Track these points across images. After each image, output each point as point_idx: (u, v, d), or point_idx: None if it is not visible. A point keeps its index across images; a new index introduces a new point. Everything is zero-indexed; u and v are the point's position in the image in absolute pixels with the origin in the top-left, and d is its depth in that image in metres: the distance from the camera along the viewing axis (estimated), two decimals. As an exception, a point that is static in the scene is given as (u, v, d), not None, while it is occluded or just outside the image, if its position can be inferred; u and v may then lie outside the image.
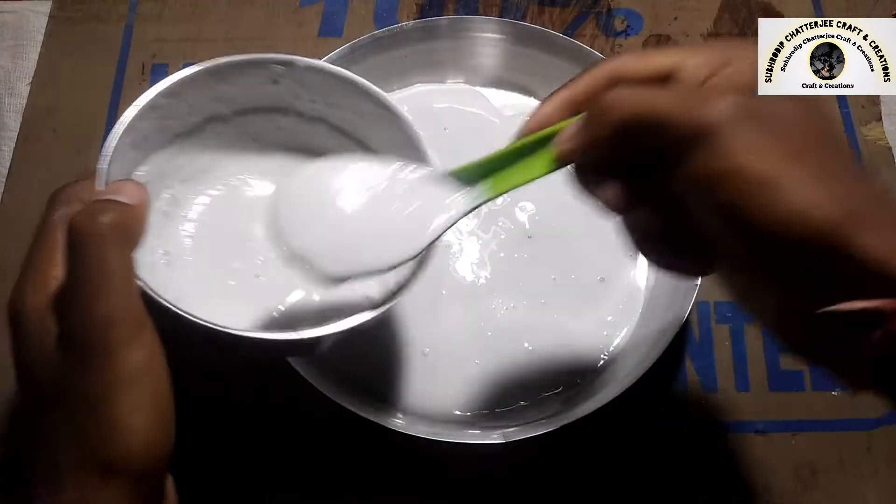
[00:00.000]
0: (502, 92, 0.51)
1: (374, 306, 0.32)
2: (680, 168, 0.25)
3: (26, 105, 0.51)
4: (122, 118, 0.30)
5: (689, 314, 0.40)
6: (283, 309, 0.37)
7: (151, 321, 0.26)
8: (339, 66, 0.46)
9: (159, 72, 0.52)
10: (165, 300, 0.27)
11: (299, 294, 0.37)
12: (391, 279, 0.34)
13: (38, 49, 0.53)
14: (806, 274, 0.24)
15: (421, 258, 0.33)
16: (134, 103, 0.30)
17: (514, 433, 0.38)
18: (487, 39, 0.50)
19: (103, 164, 0.29)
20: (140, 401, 0.25)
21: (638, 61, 0.29)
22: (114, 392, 0.24)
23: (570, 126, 0.28)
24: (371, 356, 0.43)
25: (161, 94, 0.31)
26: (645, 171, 0.27)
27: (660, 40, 0.54)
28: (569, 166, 0.29)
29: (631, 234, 0.29)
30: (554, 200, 0.47)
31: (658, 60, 0.28)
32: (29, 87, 0.52)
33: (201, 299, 0.35)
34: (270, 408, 0.43)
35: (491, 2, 0.55)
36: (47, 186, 0.47)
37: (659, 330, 0.41)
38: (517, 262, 0.45)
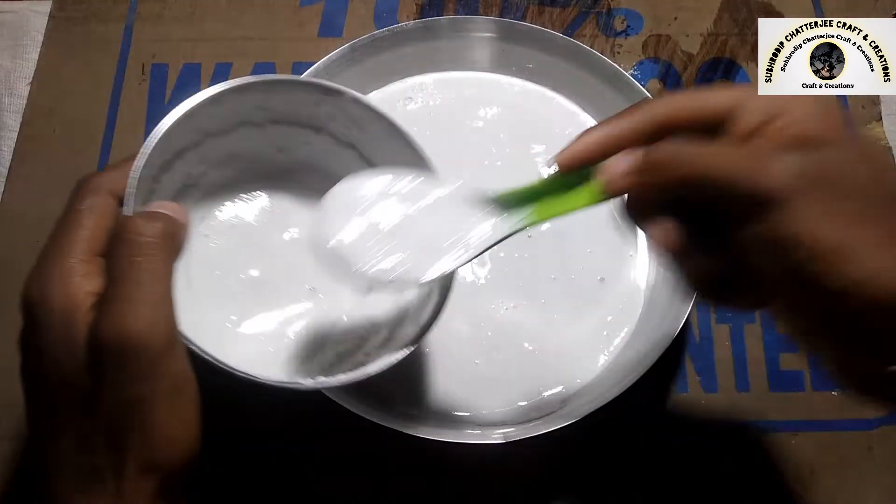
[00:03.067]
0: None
1: (401, 343, 0.33)
2: (744, 228, 0.25)
3: (26, 105, 0.51)
4: (160, 124, 0.30)
5: (689, 314, 0.40)
6: (298, 331, 0.37)
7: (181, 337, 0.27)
8: (338, 66, 0.47)
9: (159, 72, 0.52)
10: (193, 342, 0.27)
11: (316, 312, 0.38)
12: (419, 316, 0.35)
13: (38, 49, 0.53)
14: (876, 333, 0.24)
15: (444, 292, 0.33)
16: (175, 109, 0.31)
17: (514, 433, 0.38)
18: (487, 39, 0.50)
19: (140, 161, 0.29)
20: (182, 407, 0.26)
21: (692, 102, 0.28)
22: (160, 399, 0.25)
23: (622, 162, 0.28)
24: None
25: (203, 104, 0.31)
26: (703, 219, 0.27)
27: (660, 40, 0.54)
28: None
29: (683, 273, 0.28)
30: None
31: (714, 102, 0.27)
32: (29, 87, 0.52)
33: (202, 310, 0.35)
34: (269, 408, 0.43)
35: (491, 2, 0.55)
36: (47, 186, 0.47)
37: (659, 330, 0.41)
38: (517, 262, 0.45)
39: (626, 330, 0.44)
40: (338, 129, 0.37)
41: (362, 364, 0.32)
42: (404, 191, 0.31)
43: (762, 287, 0.26)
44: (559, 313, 0.44)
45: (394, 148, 0.36)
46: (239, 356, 0.30)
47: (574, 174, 0.30)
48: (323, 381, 0.31)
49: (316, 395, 0.38)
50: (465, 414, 0.42)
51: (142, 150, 0.29)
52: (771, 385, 0.44)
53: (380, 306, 0.38)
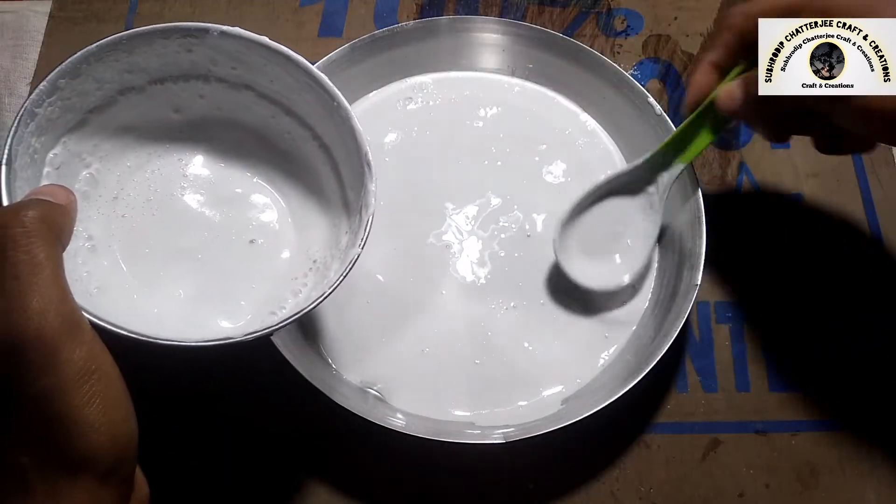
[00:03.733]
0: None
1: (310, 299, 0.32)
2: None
3: (26, 105, 0.51)
4: (20, 108, 0.29)
5: (689, 314, 0.40)
6: (226, 291, 0.36)
7: (86, 319, 0.26)
8: (338, 65, 0.47)
9: (159, 72, 0.52)
10: (81, 307, 0.26)
11: (248, 274, 0.36)
12: (336, 258, 0.34)
13: (38, 49, 0.53)
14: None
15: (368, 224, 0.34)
16: (35, 90, 0.30)
17: (514, 433, 0.38)
18: (487, 39, 0.50)
19: (2, 159, 0.28)
20: (93, 398, 0.24)
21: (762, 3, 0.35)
22: (66, 390, 0.24)
23: (728, 88, 0.36)
24: (371, 356, 0.43)
25: (62, 76, 0.30)
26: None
27: (660, 40, 0.54)
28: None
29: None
30: (554, 200, 0.47)
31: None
32: (29, 87, 0.52)
33: (132, 286, 0.34)
34: (269, 408, 0.43)
35: (491, 1, 0.55)
36: (47, 186, 0.45)
37: (659, 330, 0.41)
38: (517, 262, 0.46)
39: (626, 330, 0.44)
40: (224, 72, 0.35)
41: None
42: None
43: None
44: (559, 313, 0.44)
45: (285, 74, 0.35)
46: (199, 328, 0.29)
47: (699, 115, 0.39)
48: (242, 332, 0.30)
49: (316, 395, 0.38)
50: (465, 414, 0.42)
51: None
52: (771, 385, 0.44)
53: (314, 248, 0.37)
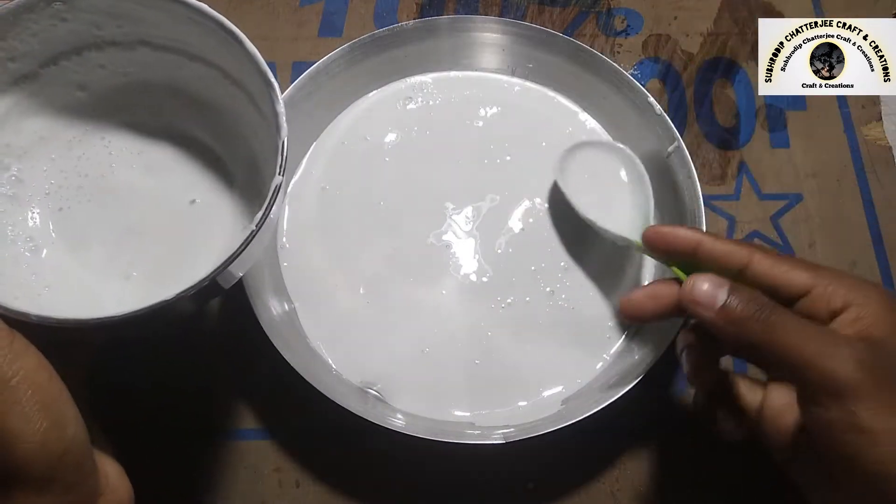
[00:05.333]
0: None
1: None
2: (803, 399, 0.29)
3: (26, 105, 0.51)
4: None
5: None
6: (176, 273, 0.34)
7: (2, 325, 0.25)
8: (338, 65, 0.47)
9: (159, 72, 0.52)
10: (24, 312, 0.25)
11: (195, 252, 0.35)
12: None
13: None
14: None
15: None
16: None
17: (514, 433, 0.38)
18: (487, 39, 0.50)
19: None
20: (17, 404, 0.23)
21: (774, 271, 0.31)
22: None
23: (713, 286, 0.31)
24: (371, 356, 0.43)
25: None
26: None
27: (660, 40, 0.54)
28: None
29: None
30: (554, 200, 0.47)
31: (798, 280, 0.31)
32: None
33: (84, 278, 0.33)
34: (269, 408, 0.43)
35: (491, 1, 0.55)
36: (47, 186, 0.45)
37: (659, 331, 0.41)
38: (517, 262, 0.45)
39: (626, 330, 0.44)
40: (112, 33, 0.33)
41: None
42: None
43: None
44: (559, 313, 0.44)
45: (166, 17, 0.32)
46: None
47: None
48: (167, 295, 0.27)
49: (316, 395, 0.38)
50: (465, 414, 0.42)
51: None
52: (771, 385, 0.44)
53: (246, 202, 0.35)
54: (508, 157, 0.48)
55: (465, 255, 0.46)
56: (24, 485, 0.23)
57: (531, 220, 0.47)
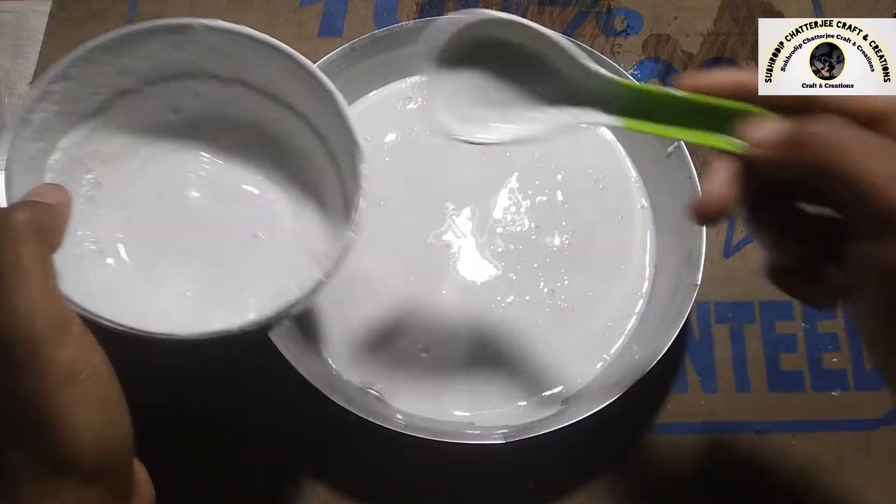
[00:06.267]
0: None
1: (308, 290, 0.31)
2: (857, 239, 0.25)
3: (26, 105, 0.51)
4: (15, 113, 0.29)
5: (689, 314, 0.40)
6: (234, 290, 0.35)
7: (79, 319, 0.26)
8: (338, 65, 0.47)
9: (159, 72, 0.52)
10: (72, 299, 0.26)
11: (255, 272, 0.36)
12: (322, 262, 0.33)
13: (38, 49, 0.53)
14: None
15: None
16: (27, 96, 0.30)
17: (514, 433, 0.38)
18: (487, 39, 0.50)
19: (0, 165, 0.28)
20: (81, 398, 0.24)
21: (848, 99, 0.27)
22: (52, 391, 0.24)
23: (774, 130, 0.27)
24: (371, 356, 0.43)
25: (53, 80, 0.30)
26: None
27: (660, 40, 0.54)
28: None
29: (772, 259, 0.29)
30: (554, 201, 0.47)
31: (871, 103, 0.27)
32: (29, 87, 0.52)
33: (140, 287, 0.34)
34: (269, 408, 0.43)
35: (491, 1, 0.55)
36: (47, 186, 0.45)
37: (659, 330, 0.41)
38: (517, 262, 0.45)
39: (626, 330, 0.44)
40: (215, 68, 0.35)
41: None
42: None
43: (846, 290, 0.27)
44: (559, 313, 0.44)
45: (272, 65, 0.34)
46: (206, 324, 0.29)
47: (705, 108, 0.28)
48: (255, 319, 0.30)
49: (316, 395, 0.38)
50: (465, 414, 0.42)
51: None
52: (771, 385, 0.44)
53: (317, 241, 0.36)
54: (508, 157, 0.48)
55: (465, 255, 0.46)
56: (77, 475, 0.24)
57: (531, 220, 0.47)
